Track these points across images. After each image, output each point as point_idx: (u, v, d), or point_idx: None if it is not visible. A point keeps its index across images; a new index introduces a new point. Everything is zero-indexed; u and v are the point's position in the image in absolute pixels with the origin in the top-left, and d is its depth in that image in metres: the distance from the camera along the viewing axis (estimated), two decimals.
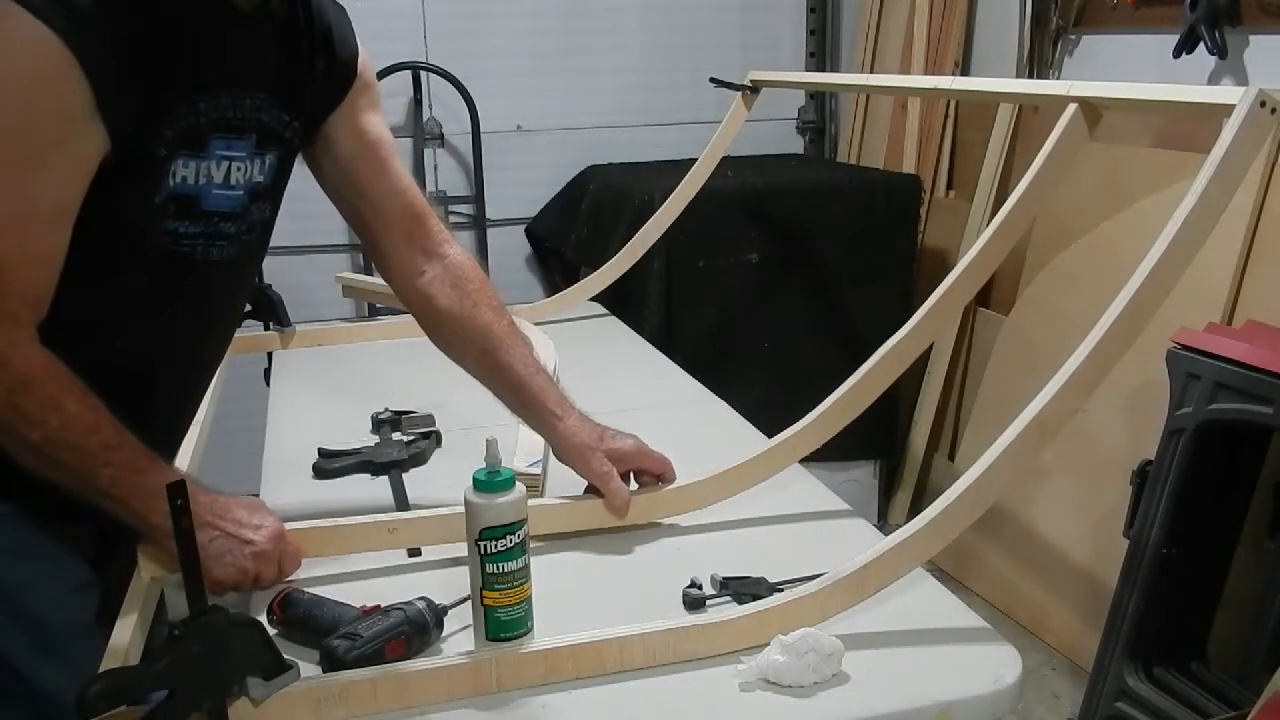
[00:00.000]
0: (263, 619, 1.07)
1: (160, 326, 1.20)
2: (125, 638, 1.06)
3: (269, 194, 1.25)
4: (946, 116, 3.26)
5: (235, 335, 2.12)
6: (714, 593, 1.18)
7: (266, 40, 1.18)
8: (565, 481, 1.50)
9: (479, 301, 1.37)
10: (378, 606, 1.10)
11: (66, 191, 1.03)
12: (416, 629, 1.07)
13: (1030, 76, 2.88)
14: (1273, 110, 1.08)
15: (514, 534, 1.00)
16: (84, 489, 1.06)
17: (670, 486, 1.38)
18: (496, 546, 0.99)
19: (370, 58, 1.38)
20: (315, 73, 1.27)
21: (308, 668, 1.03)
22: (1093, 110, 1.33)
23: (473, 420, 1.73)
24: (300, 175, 3.63)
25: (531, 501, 1.04)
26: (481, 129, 3.33)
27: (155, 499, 1.06)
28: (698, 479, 1.39)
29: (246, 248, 1.24)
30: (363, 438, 1.67)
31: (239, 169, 1.16)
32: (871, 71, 3.43)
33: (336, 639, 1.04)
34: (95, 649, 1.11)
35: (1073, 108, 1.32)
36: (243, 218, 1.20)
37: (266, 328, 2.18)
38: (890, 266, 3.03)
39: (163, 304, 1.18)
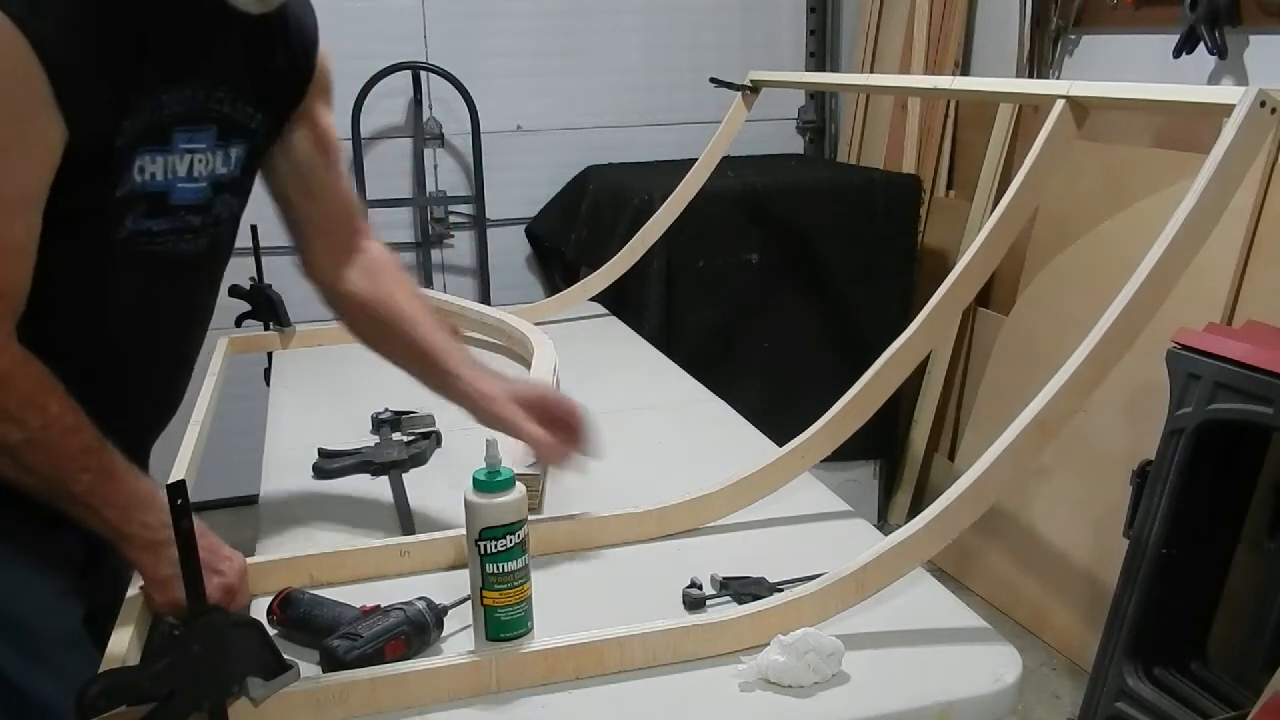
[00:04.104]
0: (263, 619, 1.07)
1: (136, 325, 1.19)
2: (125, 638, 1.06)
3: (234, 187, 1.24)
4: (946, 116, 3.27)
5: (235, 335, 2.13)
6: (714, 593, 1.18)
7: (231, 32, 1.16)
8: (564, 484, 1.50)
9: (393, 288, 1.37)
10: (378, 606, 1.10)
11: (32, 179, 1.01)
12: (416, 629, 1.07)
13: (1030, 76, 2.88)
14: (1273, 110, 1.08)
15: (514, 534, 1.00)
16: (56, 495, 1.03)
17: (682, 500, 1.37)
18: (496, 546, 0.99)
19: (329, 52, 1.35)
20: (278, 65, 1.26)
21: (308, 668, 1.03)
22: (1080, 108, 1.34)
23: (473, 420, 1.73)
24: None
25: (534, 520, 1.03)
26: (481, 129, 3.33)
27: (132, 507, 1.05)
28: (709, 491, 1.38)
29: (215, 240, 1.23)
30: (363, 438, 1.67)
31: (201, 160, 1.16)
32: (871, 71, 3.43)
33: (336, 639, 1.04)
34: (83, 655, 1.10)
35: (1060, 105, 1.33)
36: (208, 210, 1.19)
37: (266, 328, 2.18)
38: (890, 266, 3.03)
39: (138, 302, 1.17)
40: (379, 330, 1.37)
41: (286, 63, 1.27)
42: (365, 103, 3.23)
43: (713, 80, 2.45)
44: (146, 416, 1.32)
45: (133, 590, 1.14)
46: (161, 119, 1.09)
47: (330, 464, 1.56)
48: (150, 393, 1.29)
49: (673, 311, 2.83)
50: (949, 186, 3.31)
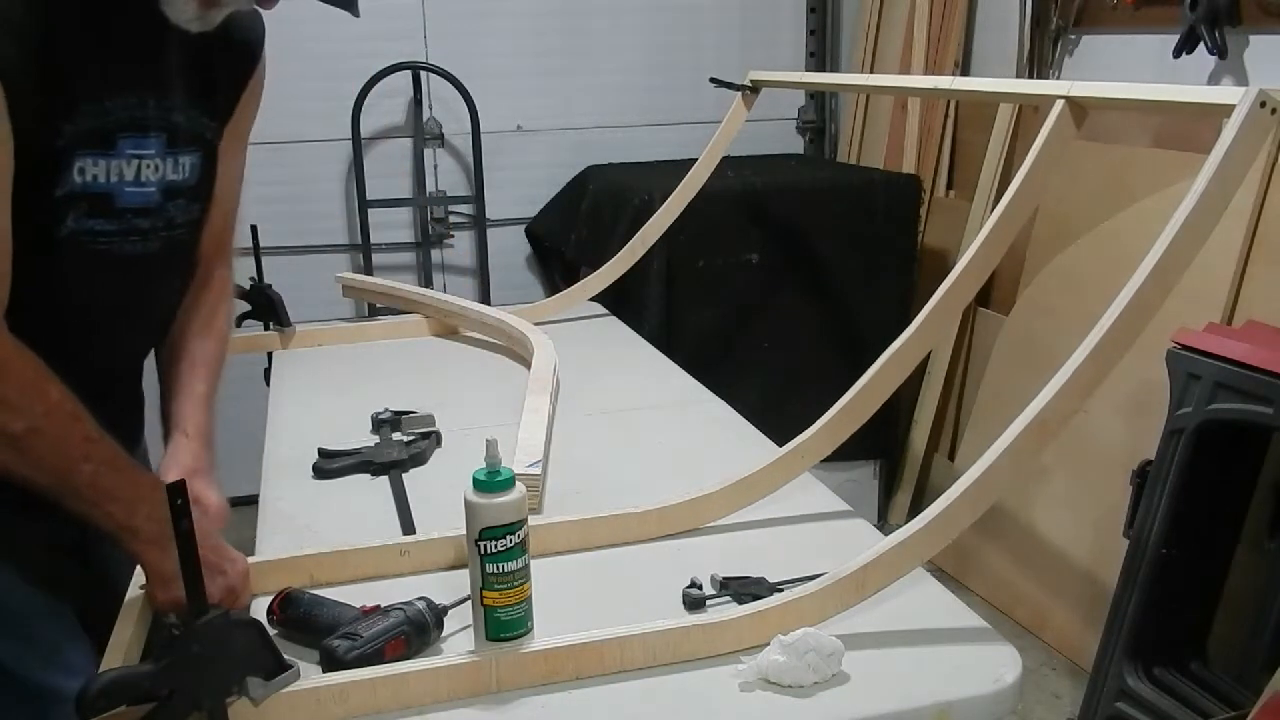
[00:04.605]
0: (263, 619, 1.07)
1: (88, 321, 1.18)
2: (125, 637, 1.06)
3: (191, 193, 1.24)
4: (946, 116, 3.27)
5: (236, 335, 2.13)
6: (714, 593, 1.18)
7: (179, 43, 1.17)
8: (564, 484, 1.51)
9: (202, 316, 1.36)
10: (378, 606, 1.10)
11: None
12: (416, 629, 1.07)
13: (1030, 76, 2.88)
14: (1273, 110, 1.08)
15: (514, 534, 1.00)
16: (62, 489, 1.03)
17: (682, 500, 1.36)
18: (496, 546, 0.99)
19: (265, 62, 1.35)
20: (223, 75, 1.27)
21: (308, 668, 1.03)
22: (1079, 108, 1.34)
23: (473, 420, 1.74)
24: (299, 176, 3.61)
25: (535, 521, 1.03)
26: (481, 129, 3.33)
27: (137, 501, 1.05)
28: (708, 491, 1.38)
29: (170, 244, 1.23)
30: (363, 438, 1.67)
31: (149, 166, 1.16)
32: (871, 71, 3.43)
33: (336, 639, 1.04)
34: (63, 629, 1.11)
35: (1060, 105, 1.33)
36: (159, 214, 1.20)
37: (266, 328, 2.18)
38: (890, 266, 3.03)
39: (88, 300, 1.17)
40: (162, 357, 1.35)
41: (229, 73, 1.29)
42: (365, 103, 3.23)
43: (713, 80, 2.45)
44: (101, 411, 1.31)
45: (133, 590, 1.14)
46: (105, 124, 1.10)
47: (330, 464, 1.56)
48: (106, 388, 1.28)
49: (673, 311, 2.83)
50: (949, 186, 3.31)
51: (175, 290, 1.34)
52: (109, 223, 1.14)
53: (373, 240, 3.35)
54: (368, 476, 1.56)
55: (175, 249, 1.26)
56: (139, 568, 1.13)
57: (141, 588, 1.12)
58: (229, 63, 1.29)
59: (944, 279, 1.38)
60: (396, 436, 1.67)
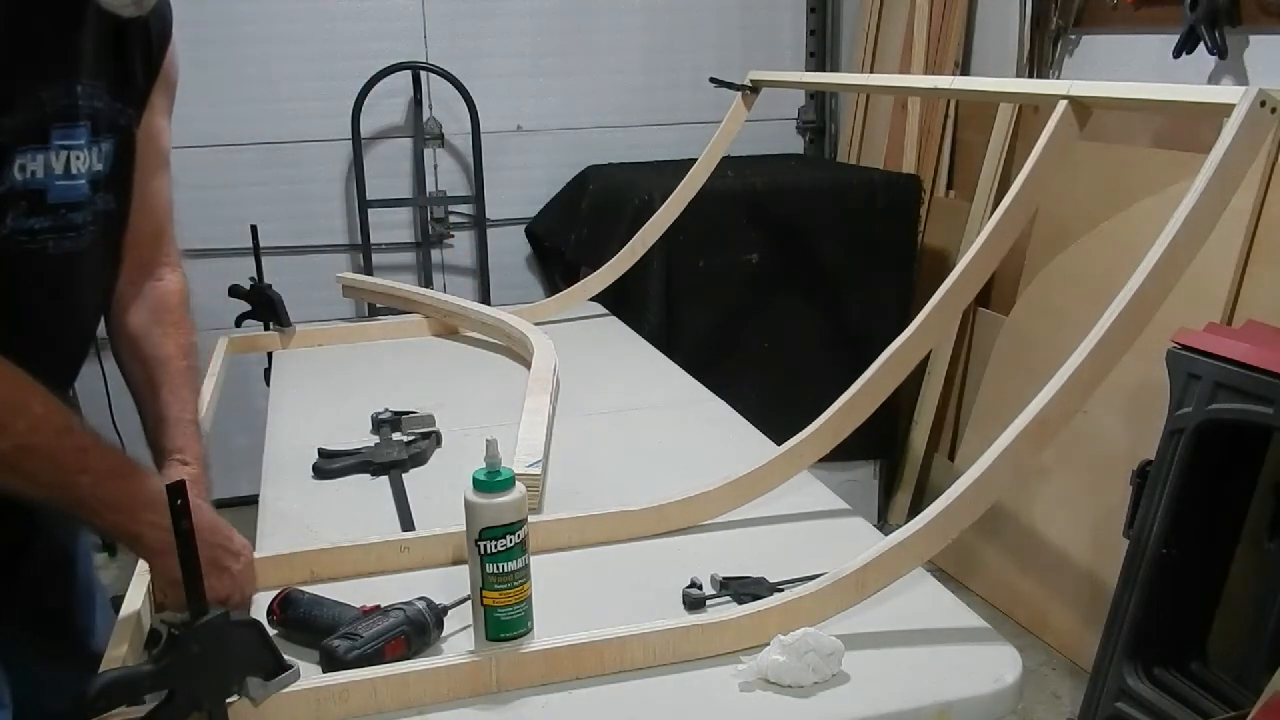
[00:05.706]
0: (263, 619, 1.07)
1: (20, 325, 1.13)
2: (125, 638, 1.06)
3: (110, 184, 1.20)
4: (946, 116, 3.27)
5: (235, 335, 2.14)
6: (714, 593, 1.18)
7: (99, 27, 1.14)
8: (564, 484, 1.51)
9: (168, 333, 1.30)
10: (378, 606, 1.10)
11: None
12: (416, 629, 1.07)
13: (1030, 76, 2.88)
14: (1273, 110, 1.08)
15: (514, 534, 1.00)
16: (65, 502, 1.01)
17: (680, 498, 1.37)
18: (496, 546, 0.99)
19: (176, 56, 1.31)
20: (138, 59, 1.24)
21: (308, 668, 1.03)
22: (1083, 108, 1.33)
23: (473, 420, 1.74)
24: (299, 176, 3.61)
25: (534, 518, 1.03)
26: (481, 129, 3.33)
27: (138, 508, 1.02)
28: (706, 489, 1.38)
29: (95, 239, 1.19)
30: (363, 438, 1.67)
31: (78, 157, 1.13)
32: (871, 71, 3.43)
33: (336, 639, 1.04)
34: None
35: (1063, 105, 1.33)
36: (88, 207, 1.16)
37: (266, 328, 2.18)
38: (890, 266, 3.03)
39: (23, 302, 1.13)
40: (136, 378, 1.30)
41: (144, 57, 1.25)
42: (365, 103, 3.23)
43: (713, 80, 2.45)
44: None
45: (133, 588, 1.14)
46: (41, 116, 1.07)
47: (330, 464, 1.56)
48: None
49: (673, 311, 2.83)
50: (949, 186, 3.31)
51: (103, 289, 1.29)
52: (44, 220, 1.10)
53: (373, 240, 3.35)
54: (368, 476, 1.56)
55: (99, 244, 1.21)
56: (135, 574, 1.13)
57: (148, 587, 1.12)
58: (143, 47, 1.24)
59: (944, 279, 1.38)
60: (396, 436, 1.67)
